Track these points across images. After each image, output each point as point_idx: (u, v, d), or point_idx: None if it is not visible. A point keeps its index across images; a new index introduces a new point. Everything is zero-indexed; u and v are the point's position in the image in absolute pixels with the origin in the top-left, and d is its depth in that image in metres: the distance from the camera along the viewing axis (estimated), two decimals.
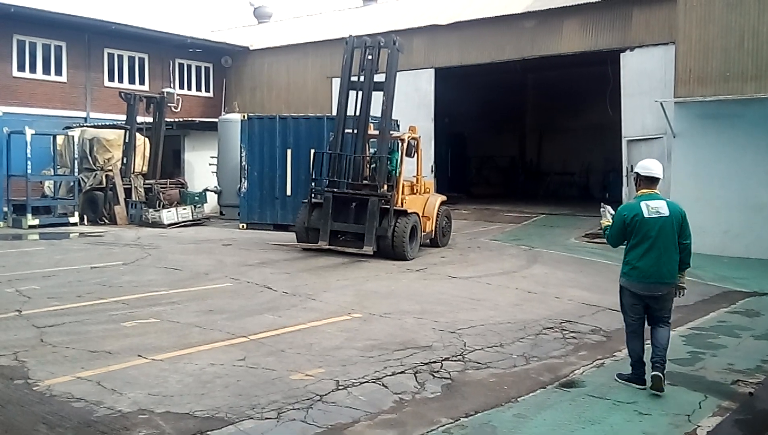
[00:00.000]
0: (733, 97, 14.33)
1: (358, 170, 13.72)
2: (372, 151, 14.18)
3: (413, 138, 14.40)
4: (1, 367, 6.03)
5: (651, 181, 5.95)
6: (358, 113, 13.80)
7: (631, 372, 6.12)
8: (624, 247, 6.07)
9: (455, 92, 25.44)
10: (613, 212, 6.28)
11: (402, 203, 13.68)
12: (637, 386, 5.98)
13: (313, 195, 13.97)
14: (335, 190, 13.70)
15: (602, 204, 6.51)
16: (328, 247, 13.39)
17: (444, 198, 15.90)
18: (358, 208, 13.48)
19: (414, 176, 15.05)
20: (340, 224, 13.60)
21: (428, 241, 14.82)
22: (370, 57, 13.81)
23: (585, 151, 29.61)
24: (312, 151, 15.26)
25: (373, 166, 13.86)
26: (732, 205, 14.51)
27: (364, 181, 13.75)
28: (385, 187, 13.44)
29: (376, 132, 13.98)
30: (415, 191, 14.69)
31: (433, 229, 14.83)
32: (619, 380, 6.16)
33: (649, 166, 5.98)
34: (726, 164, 14.67)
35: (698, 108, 15.05)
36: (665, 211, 5.80)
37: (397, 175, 13.79)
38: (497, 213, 22.28)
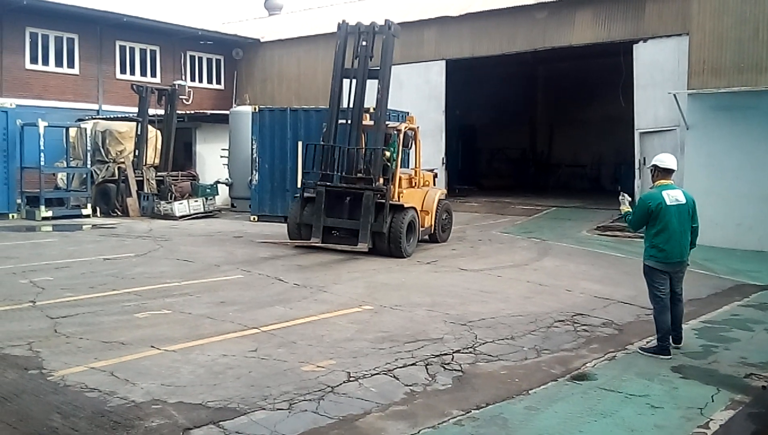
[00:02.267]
0: (747, 89, 14.19)
1: (352, 163, 13.04)
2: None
3: (411, 128, 13.81)
4: (15, 358, 6.09)
5: (667, 172, 6.80)
6: (352, 102, 13.10)
7: (656, 345, 6.75)
8: (643, 230, 6.93)
9: (466, 84, 25.38)
10: (630, 199, 7.24)
11: (399, 197, 12.99)
12: (663, 357, 6.61)
13: (305, 189, 13.24)
14: (328, 183, 12.88)
15: (621, 192, 7.35)
16: (321, 244, 12.67)
17: (444, 191, 15.40)
18: (353, 203, 12.77)
19: (413, 169, 14.50)
20: (333, 220, 12.85)
21: (427, 236, 14.20)
22: (364, 43, 13.12)
23: (596, 144, 29.47)
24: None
25: (368, 158, 13.17)
26: (745, 197, 14.39)
27: (359, 175, 13.05)
28: (381, 180, 12.75)
29: (372, 122, 13.32)
30: (413, 184, 14.00)
31: (432, 224, 14.19)
32: (644, 353, 6.76)
33: (665, 160, 6.86)
34: (739, 156, 14.54)
35: (712, 99, 14.92)
36: (682, 199, 6.70)
37: (394, 167, 13.02)
38: (508, 205, 22.23)
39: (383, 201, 12.56)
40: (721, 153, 14.74)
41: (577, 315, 8.35)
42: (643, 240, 7.02)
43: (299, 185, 17.17)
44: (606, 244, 14.80)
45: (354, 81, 13.17)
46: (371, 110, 13.87)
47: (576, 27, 21.04)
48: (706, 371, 6.33)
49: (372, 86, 13.21)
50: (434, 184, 22.33)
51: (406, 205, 12.92)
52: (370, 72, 13.18)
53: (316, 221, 12.84)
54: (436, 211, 14.34)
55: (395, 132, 13.43)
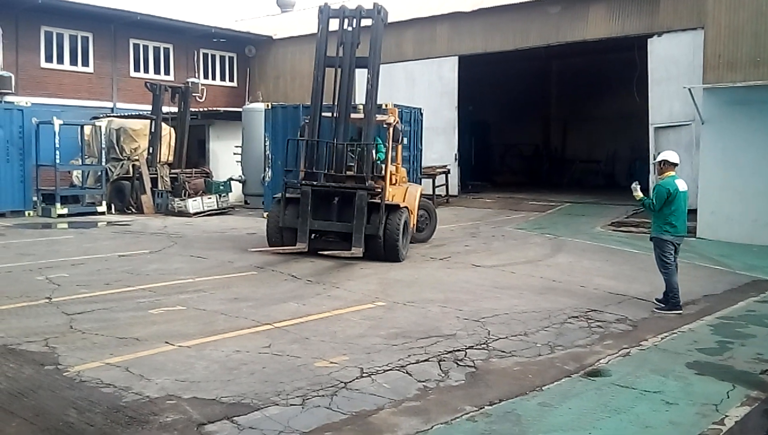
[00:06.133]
0: (763, 83, 14.02)
1: (341, 160, 11.84)
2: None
3: (399, 121, 12.91)
4: (32, 353, 6.15)
5: (674, 166, 8.56)
6: (338, 94, 11.96)
7: (670, 303, 8.37)
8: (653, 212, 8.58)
9: (479, 80, 25.26)
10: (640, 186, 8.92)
11: (391, 197, 12.09)
12: (676, 312, 8.24)
13: (287, 189, 12.07)
14: (314, 183, 11.71)
15: (634, 182, 8.91)
16: (307, 250, 11.50)
17: (422, 187, 14.65)
18: (342, 204, 11.71)
19: (393, 164, 13.06)
20: (321, 223, 11.71)
21: None
22: (349, 29, 11.96)
23: (611, 139, 29.28)
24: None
25: (359, 154, 12.06)
26: (761, 193, 14.23)
27: (348, 173, 11.97)
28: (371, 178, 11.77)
29: (359, 115, 12.18)
30: (393, 182, 12.80)
31: (415, 223, 13.16)
32: (659, 311, 8.33)
33: (673, 155, 8.66)
34: (755, 151, 14.38)
35: (727, 94, 14.76)
36: (685, 187, 8.52)
37: (385, 164, 12.13)
38: (521, 201, 22.14)
39: (376, 201, 11.58)
40: (736, 148, 14.59)
41: (591, 311, 8.32)
42: None
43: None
44: (620, 240, 14.71)
45: (339, 70, 12.00)
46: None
47: (590, 21, 20.90)
48: (722, 367, 6.28)
49: (361, 78, 12.13)
50: (446, 181, 22.31)
51: (401, 205, 12.02)
52: (357, 60, 11.98)
53: (301, 225, 11.60)
54: (417, 209, 13.30)
55: (385, 126, 12.44)
